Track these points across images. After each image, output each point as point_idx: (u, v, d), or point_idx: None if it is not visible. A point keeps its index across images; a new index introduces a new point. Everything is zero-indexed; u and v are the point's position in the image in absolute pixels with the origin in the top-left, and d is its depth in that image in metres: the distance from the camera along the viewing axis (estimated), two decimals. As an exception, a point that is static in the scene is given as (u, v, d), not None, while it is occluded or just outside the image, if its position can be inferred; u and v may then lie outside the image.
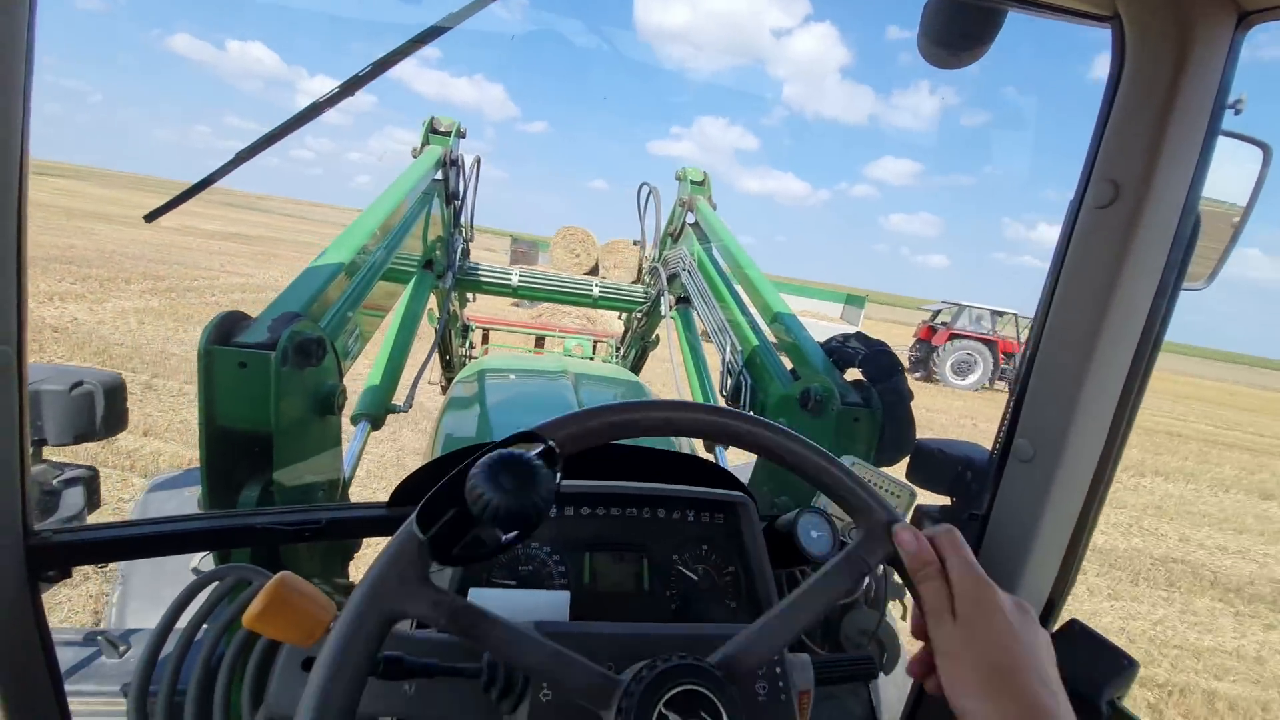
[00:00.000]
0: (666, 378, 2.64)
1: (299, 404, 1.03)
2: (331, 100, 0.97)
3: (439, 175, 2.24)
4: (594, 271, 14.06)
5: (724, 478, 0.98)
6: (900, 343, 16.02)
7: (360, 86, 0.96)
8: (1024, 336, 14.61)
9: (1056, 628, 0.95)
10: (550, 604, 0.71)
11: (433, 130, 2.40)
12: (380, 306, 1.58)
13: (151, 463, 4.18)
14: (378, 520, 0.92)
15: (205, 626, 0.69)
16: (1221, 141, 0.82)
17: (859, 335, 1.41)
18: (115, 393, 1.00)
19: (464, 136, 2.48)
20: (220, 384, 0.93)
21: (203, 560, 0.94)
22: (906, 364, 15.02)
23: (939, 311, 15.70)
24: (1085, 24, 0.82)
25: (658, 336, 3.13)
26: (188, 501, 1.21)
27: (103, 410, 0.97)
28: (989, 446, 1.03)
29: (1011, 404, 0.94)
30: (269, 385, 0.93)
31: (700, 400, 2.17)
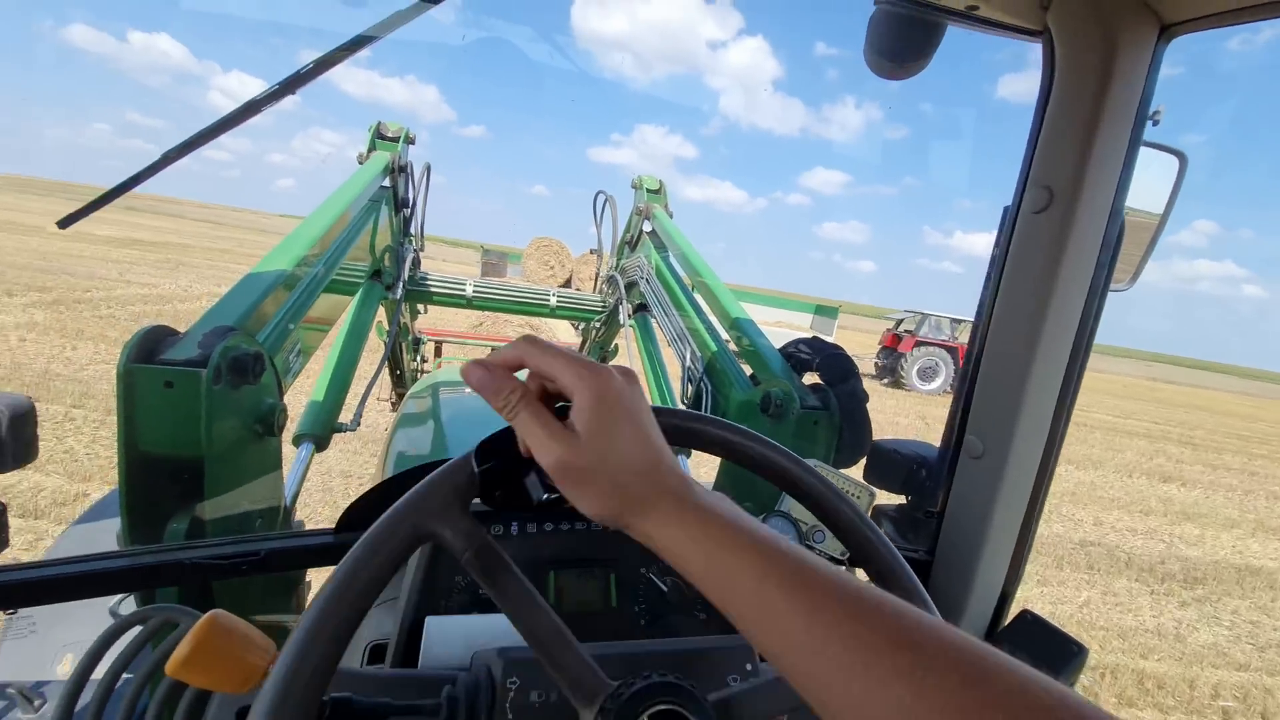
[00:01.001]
0: None
1: (234, 425, 0.95)
2: (270, 98, 0.91)
3: (386, 182, 2.14)
4: (568, 284, 13.77)
5: None
6: (863, 350, 16.46)
7: (300, 86, 0.91)
8: None
9: (1010, 619, 0.98)
10: (512, 628, 0.68)
11: (380, 136, 2.31)
12: (324, 320, 1.48)
13: (30, 500, 3.63)
14: (323, 549, 0.86)
15: (126, 676, 0.62)
16: (1142, 151, 0.87)
17: (814, 339, 1.44)
18: (23, 418, 0.91)
19: (413, 143, 2.39)
20: (143, 406, 0.85)
21: (123, 602, 0.85)
22: (874, 370, 15.34)
23: (902, 320, 16.20)
24: (1018, 38, 0.86)
25: (617, 345, 3.10)
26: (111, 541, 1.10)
27: (8, 438, 0.88)
28: (938, 445, 1.07)
29: (960, 403, 0.97)
30: (199, 406, 0.86)
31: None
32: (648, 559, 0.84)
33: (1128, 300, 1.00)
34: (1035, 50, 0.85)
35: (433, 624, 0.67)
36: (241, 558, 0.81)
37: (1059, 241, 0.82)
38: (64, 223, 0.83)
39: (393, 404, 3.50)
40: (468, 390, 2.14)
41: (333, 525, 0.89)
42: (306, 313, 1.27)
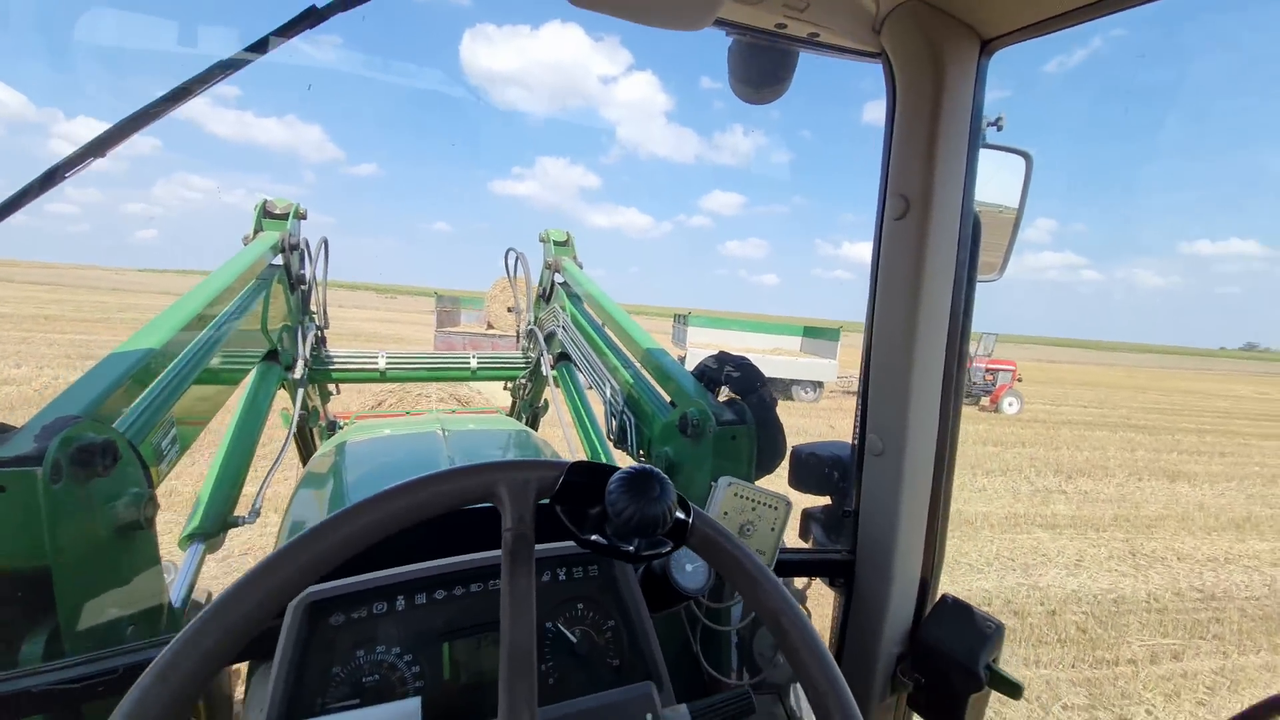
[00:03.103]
0: (554, 436, 2.55)
1: (87, 525, 0.83)
2: (105, 143, 0.80)
3: (278, 260, 2.05)
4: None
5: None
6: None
7: (143, 125, 0.81)
8: (984, 350, 15.33)
9: (930, 607, 1.02)
10: (397, 717, 0.60)
11: (266, 214, 2.20)
12: (208, 405, 1.37)
13: None
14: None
15: None
16: (991, 154, 0.97)
17: (722, 354, 1.47)
18: None
19: (304, 218, 2.28)
20: None
21: None
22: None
23: None
24: (860, 60, 0.93)
25: (546, 401, 3.02)
26: None
27: None
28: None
29: (860, 403, 1.02)
30: (37, 509, 0.75)
31: (589, 450, 2.12)
32: (553, 612, 0.78)
33: (994, 290, 1.10)
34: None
35: None
36: (112, 673, 0.70)
37: (919, 244, 0.89)
38: None
39: None
40: (376, 440, 1.93)
41: None
42: (180, 397, 1.17)
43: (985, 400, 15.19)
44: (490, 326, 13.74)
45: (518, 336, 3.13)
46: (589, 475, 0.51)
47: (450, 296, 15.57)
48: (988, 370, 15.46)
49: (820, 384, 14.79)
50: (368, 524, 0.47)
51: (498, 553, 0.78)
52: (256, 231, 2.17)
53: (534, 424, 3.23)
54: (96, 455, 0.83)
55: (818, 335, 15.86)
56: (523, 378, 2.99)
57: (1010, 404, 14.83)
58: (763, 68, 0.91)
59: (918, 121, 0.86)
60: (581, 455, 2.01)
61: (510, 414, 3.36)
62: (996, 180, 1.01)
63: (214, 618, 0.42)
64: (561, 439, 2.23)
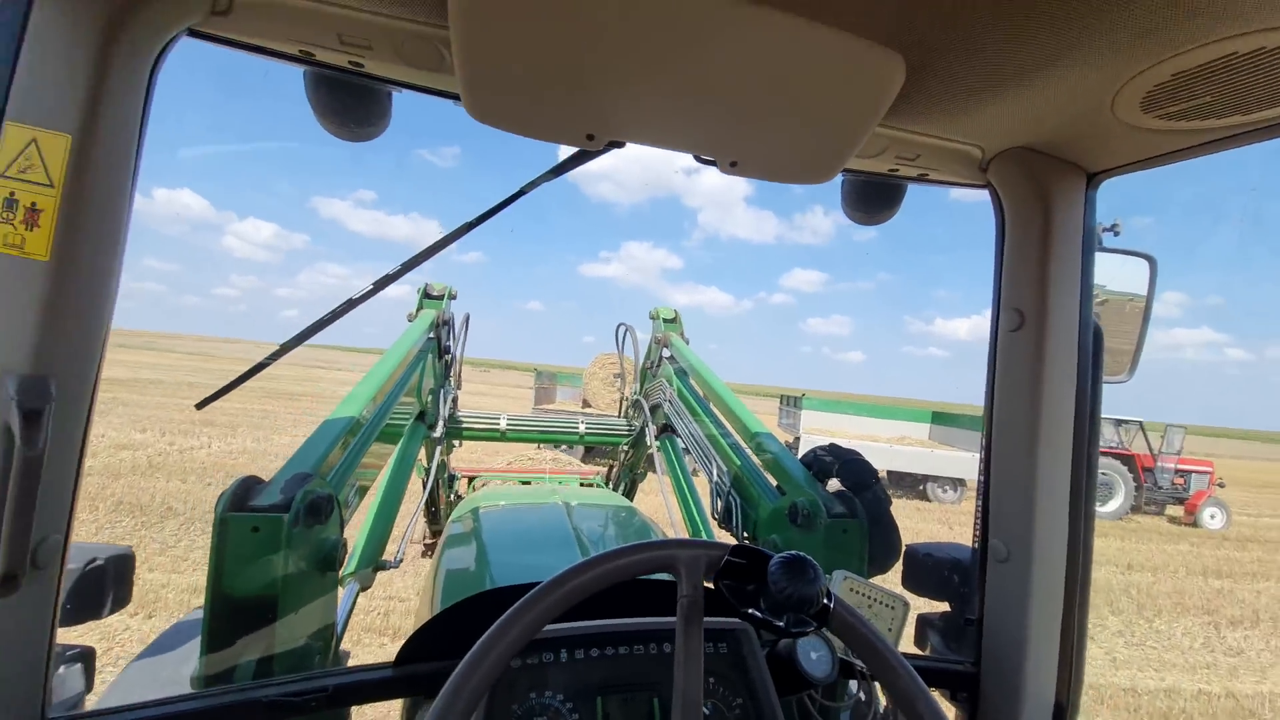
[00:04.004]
0: (655, 504, 2.61)
1: (305, 563, 1.04)
2: (365, 296, 1.09)
3: (432, 335, 2.42)
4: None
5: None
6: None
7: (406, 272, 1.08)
8: (1170, 447, 12.36)
9: None
10: None
11: (427, 295, 2.65)
12: (379, 459, 1.63)
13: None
14: (386, 682, 0.91)
15: None
16: (1112, 258, 0.99)
17: (833, 446, 1.49)
18: (124, 568, 1.01)
19: (455, 298, 2.72)
20: (231, 552, 0.95)
21: None
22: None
23: None
24: (967, 187, 1.02)
25: (645, 469, 3.17)
26: (174, 676, 1.13)
27: (112, 588, 0.98)
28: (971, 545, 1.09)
29: (980, 507, 1.02)
30: (280, 548, 0.96)
31: (690, 526, 2.16)
32: None
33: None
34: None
35: None
36: (310, 694, 0.85)
37: (1036, 354, 0.92)
38: (201, 405, 1.00)
39: (426, 544, 3.52)
40: (507, 512, 2.13)
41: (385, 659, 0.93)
42: (364, 455, 1.40)
43: (1178, 509, 12.29)
44: (586, 405, 12.86)
45: (620, 405, 3.30)
46: (748, 556, 0.61)
47: (549, 373, 15.08)
48: (1177, 471, 12.51)
49: (962, 481, 12.08)
50: (583, 582, 0.62)
51: (650, 620, 0.90)
52: (419, 310, 2.56)
53: (631, 490, 3.37)
54: (323, 505, 1.04)
55: (948, 422, 13.62)
56: (625, 444, 3.14)
57: (1212, 516, 11.77)
58: (875, 199, 1.04)
59: (1028, 243, 0.92)
60: (683, 529, 2.07)
61: (608, 479, 3.55)
62: (1119, 279, 1.02)
63: (481, 656, 0.57)
64: (658, 507, 2.29)
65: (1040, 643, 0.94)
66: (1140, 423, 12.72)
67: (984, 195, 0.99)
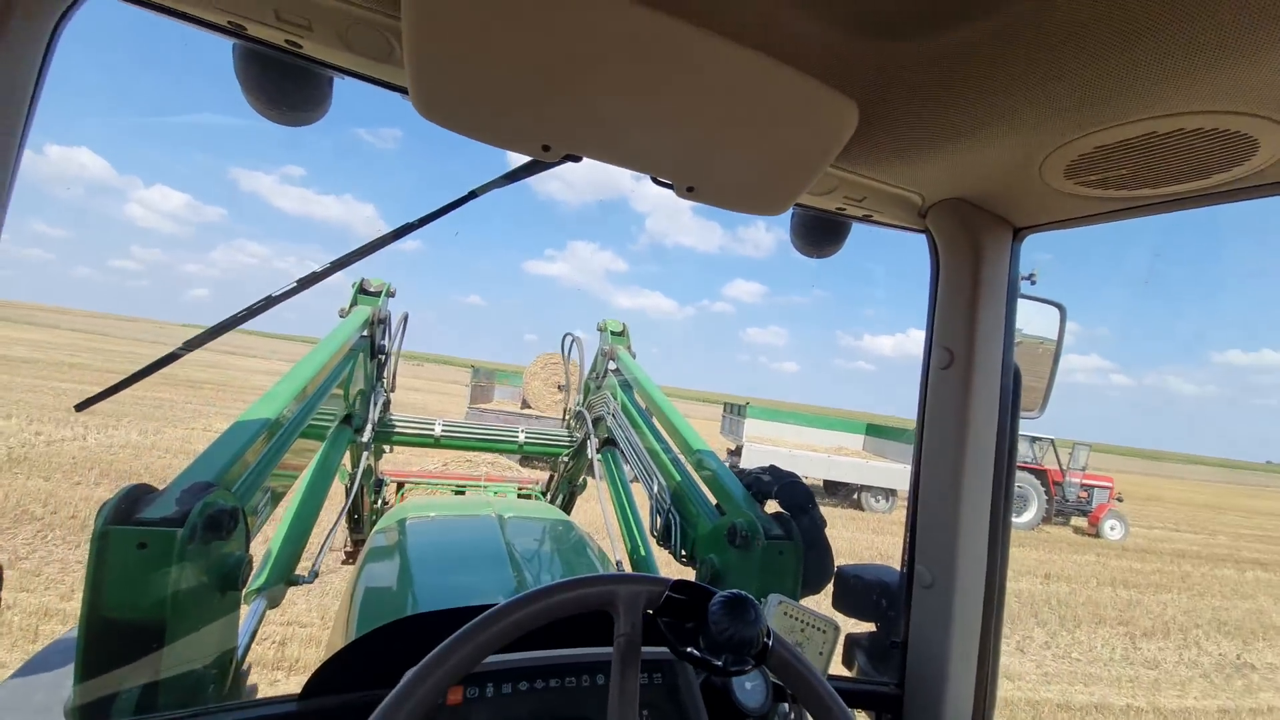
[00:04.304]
0: (593, 518, 2.57)
1: (200, 584, 0.93)
2: (292, 292, 1.01)
3: (365, 333, 2.27)
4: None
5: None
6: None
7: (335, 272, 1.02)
8: (1076, 463, 13.24)
9: None
10: None
11: (362, 291, 2.48)
12: (296, 466, 1.49)
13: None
14: (290, 717, 0.83)
15: None
16: (1028, 305, 1.06)
17: (773, 468, 1.52)
18: None
19: (393, 296, 2.57)
20: (114, 569, 0.83)
21: None
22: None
23: None
24: (907, 230, 1.07)
25: (585, 479, 3.15)
26: (46, 702, 0.96)
27: None
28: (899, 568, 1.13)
29: (907, 536, 1.06)
30: (169, 567, 0.85)
31: (628, 542, 2.14)
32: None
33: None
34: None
35: None
36: None
37: (964, 390, 0.97)
38: (81, 406, 0.90)
39: (347, 553, 3.32)
40: (435, 527, 1.98)
41: (290, 691, 0.86)
42: (280, 460, 1.28)
43: (1081, 521, 13.24)
44: (526, 405, 12.36)
45: (563, 416, 3.25)
46: (689, 593, 0.61)
47: (487, 370, 14.26)
48: (1082, 486, 13.50)
49: (894, 491, 12.63)
50: (519, 619, 0.59)
51: (584, 651, 0.87)
52: (352, 305, 2.38)
53: (569, 502, 3.32)
54: (225, 520, 0.93)
55: (881, 434, 14.15)
56: (565, 456, 3.10)
57: (1112, 527, 12.71)
58: (822, 233, 1.07)
59: (959, 289, 0.97)
60: (621, 545, 2.04)
61: (547, 489, 3.48)
62: (1035, 324, 1.10)
63: (406, 694, 0.53)
64: (596, 518, 2.24)
65: (961, 669, 0.99)
66: (1052, 440, 13.58)
67: (921, 238, 1.04)
